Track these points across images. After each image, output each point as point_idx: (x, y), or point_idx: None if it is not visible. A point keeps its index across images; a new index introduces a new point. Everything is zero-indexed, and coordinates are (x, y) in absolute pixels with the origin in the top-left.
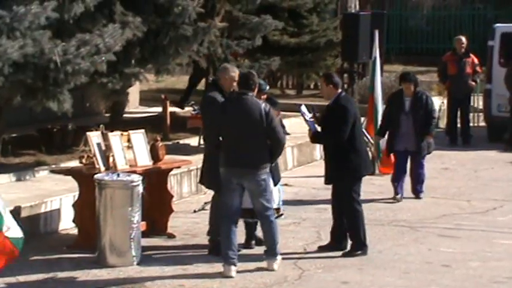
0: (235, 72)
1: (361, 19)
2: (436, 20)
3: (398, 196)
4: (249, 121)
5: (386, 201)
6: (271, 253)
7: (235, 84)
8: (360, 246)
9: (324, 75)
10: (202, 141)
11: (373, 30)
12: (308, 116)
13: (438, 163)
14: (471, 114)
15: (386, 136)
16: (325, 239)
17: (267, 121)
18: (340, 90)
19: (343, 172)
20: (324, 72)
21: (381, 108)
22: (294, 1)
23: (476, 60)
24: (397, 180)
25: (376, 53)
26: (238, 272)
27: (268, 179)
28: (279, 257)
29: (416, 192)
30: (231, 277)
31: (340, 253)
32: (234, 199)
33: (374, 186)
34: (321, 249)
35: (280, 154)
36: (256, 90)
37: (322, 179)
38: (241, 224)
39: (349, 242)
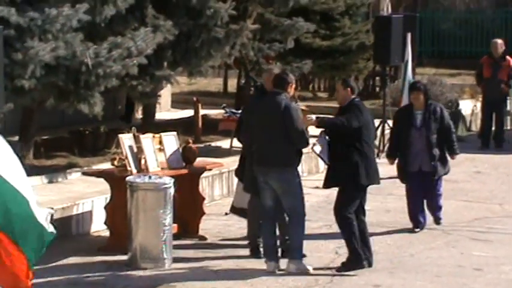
0: None
1: (393, 22)
2: (468, 23)
3: (418, 229)
4: (270, 118)
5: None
6: (290, 255)
7: None
8: (355, 259)
9: (341, 79)
10: (233, 144)
11: (405, 33)
12: (318, 149)
13: (470, 166)
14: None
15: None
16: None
17: (284, 115)
18: (354, 96)
19: (344, 176)
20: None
21: None
22: (326, 4)
23: None
24: (415, 210)
25: (409, 56)
26: (269, 273)
27: (294, 178)
28: (298, 261)
29: (437, 219)
30: (274, 273)
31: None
32: (266, 198)
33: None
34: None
35: (304, 146)
36: (290, 89)
37: None
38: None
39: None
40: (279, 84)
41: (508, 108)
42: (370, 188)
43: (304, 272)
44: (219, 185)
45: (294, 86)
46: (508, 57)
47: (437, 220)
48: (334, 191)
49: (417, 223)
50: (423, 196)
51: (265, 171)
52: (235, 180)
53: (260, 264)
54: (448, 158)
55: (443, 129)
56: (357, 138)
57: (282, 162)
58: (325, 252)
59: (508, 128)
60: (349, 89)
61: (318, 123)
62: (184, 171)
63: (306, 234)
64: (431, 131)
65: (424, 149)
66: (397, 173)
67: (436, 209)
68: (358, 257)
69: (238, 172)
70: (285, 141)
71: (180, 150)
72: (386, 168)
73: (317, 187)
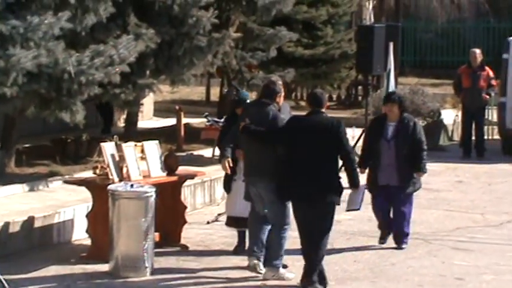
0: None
1: (375, 31)
2: (450, 33)
3: (383, 242)
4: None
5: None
6: (268, 262)
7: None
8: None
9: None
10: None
11: (387, 42)
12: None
13: (452, 176)
14: (485, 127)
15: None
16: (339, 251)
17: (271, 126)
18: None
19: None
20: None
21: None
22: (309, 13)
23: (491, 74)
24: (383, 226)
25: (391, 65)
26: (248, 280)
27: None
28: (276, 269)
29: (400, 240)
30: (259, 273)
31: (353, 265)
32: (261, 208)
33: None
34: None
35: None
36: (279, 99)
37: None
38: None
39: None
40: (267, 95)
41: (486, 117)
42: None
43: (282, 279)
44: (201, 193)
45: (282, 95)
46: (486, 66)
47: (399, 242)
48: None
49: (386, 234)
50: (388, 212)
51: (254, 181)
52: (217, 188)
53: (242, 273)
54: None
55: (414, 144)
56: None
57: (271, 172)
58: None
59: (490, 137)
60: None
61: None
62: (166, 179)
63: (289, 244)
64: (401, 145)
65: (393, 163)
66: (366, 183)
67: (401, 224)
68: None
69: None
70: (272, 151)
71: (162, 158)
72: None
73: None
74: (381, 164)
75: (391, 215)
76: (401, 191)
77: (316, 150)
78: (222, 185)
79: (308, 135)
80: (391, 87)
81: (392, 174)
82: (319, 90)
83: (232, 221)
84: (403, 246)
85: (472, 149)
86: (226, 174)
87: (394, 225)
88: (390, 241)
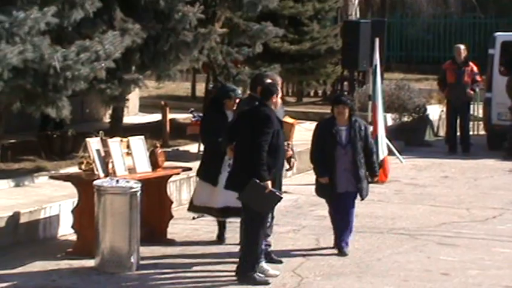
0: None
1: (361, 27)
2: (436, 29)
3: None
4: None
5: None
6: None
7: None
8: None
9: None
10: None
11: (373, 38)
12: None
13: (438, 171)
14: (471, 123)
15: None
16: (325, 246)
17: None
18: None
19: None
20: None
21: (381, 116)
22: (295, 8)
23: (475, 69)
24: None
25: (377, 60)
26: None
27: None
28: None
29: (343, 246)
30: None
31: (339, 260)
32: None
33: (373, 194)
34: None
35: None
36: (275, 98)
37: None
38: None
39: None
40: (263, 95)
41: (472, 112)
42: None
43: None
44: (187, 189)
45: (279, 95)
46: (470, 62)
47: (342, 248)
48: (302, 196)
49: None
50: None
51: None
52: None
53: (229, 266)
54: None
55: (367, 149)
56: None
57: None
58: (292, 256)
59: (475, 132)
60: None
61: None
62: (152, 175)
63: (275, 238)
64: (358, 150)
65: (349, 169)
66: (315, 189)
67: (346, 233)
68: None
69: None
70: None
71: (148, 154)
72: None
73: (285, 192)
74: (337, 170)
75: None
76: (354, 197)
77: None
78: (203, 177)
79: None
80: (378, 82)
81: (350, 180)
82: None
83: (219, 212)
84: (347, 252)
85: (458, 145)
86: (214, 167)
87: (338, 234)
88: (376, 236)
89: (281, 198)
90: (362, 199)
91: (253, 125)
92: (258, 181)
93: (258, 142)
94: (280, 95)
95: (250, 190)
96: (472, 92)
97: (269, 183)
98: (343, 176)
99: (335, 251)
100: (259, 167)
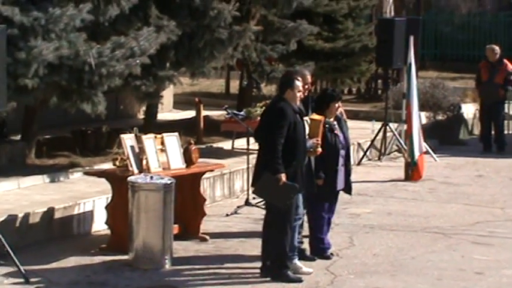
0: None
1: (396, 24)
2: (471, 26)
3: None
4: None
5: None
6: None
7: (306, 87)
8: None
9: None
10: (235, 145)
11: (408, 35)
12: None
13: (472, 170)
14: (506, 122)
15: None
16: (358, 244)
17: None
18: None
19: None
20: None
21: (417, 114)
22: (330, 6)
23: (510, 68)
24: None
25: (411, 58)
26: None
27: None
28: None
29: (325, 249)
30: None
31: (373, 259)
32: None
33: (407, 192)
34: None
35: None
36: (293, 91)
37: (355, 185)
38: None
39: None
40: (279, 87)
41: (506, 111)
42: (372, 191)
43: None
44: (220, 186)
45: (299, 89)
46: (505, 60)
47: (325, 251)
48: None
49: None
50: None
51: None
52: (236, 181)
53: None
54: None
55: (347, 143)
56: None
57: None
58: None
59: (510, 132)
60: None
61: None
62: (186, 172)
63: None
64: (349, 146)
65: (343, 165)
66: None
67: (329, 243)
68: None
69: None
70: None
71: (182, 151)
72: (388, 170)
73: None
74: (337, 169)
75: None
76: (349, 193)
77: None
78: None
79: None
80: (413, 81)
81: (342, 177)
82: None
83: None
84: (330, 256)
85: (492, 143)
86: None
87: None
88: (410, 235)
89: (297, 188)
90: (350, 195)
91: (267, 119)
92: (270, 174)
93: (271, 136)
94: (300, 89)
95: (263, 183)
96: (502, 92)
97: (283, 175)
98: (340, 174)
99: (370, 249)
100: (272, 160)
